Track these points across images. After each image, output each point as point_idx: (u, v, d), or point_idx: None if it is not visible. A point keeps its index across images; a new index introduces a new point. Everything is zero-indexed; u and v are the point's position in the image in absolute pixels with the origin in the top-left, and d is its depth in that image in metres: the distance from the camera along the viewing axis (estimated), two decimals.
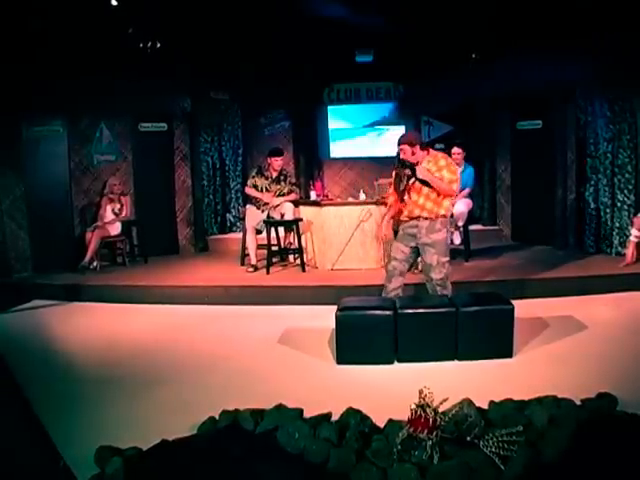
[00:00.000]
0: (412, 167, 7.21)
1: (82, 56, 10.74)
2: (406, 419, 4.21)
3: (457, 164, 10.45)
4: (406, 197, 7.31)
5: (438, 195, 7.10)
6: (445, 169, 7.09)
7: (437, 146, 13.03)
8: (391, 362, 6.36)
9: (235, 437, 4.61)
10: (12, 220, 11.48)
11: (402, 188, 7.33)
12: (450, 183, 7.09)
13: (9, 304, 9.95)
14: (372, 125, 14.84)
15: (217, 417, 4.87)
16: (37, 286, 10.75)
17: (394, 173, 7.48)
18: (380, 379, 5.98)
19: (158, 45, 11.39)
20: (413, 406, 4.19)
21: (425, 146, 7.32)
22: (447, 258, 7.26)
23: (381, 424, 4.54)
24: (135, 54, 11.30)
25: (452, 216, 9.09)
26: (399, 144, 7.30)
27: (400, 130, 14.20)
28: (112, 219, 11.64)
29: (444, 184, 7.06)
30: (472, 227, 11.24)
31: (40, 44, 10.31)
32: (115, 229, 11.69)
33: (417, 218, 7.20)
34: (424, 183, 7.14)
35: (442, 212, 7.16)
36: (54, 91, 11.26)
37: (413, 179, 7.24)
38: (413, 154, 7.20)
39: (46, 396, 5.94)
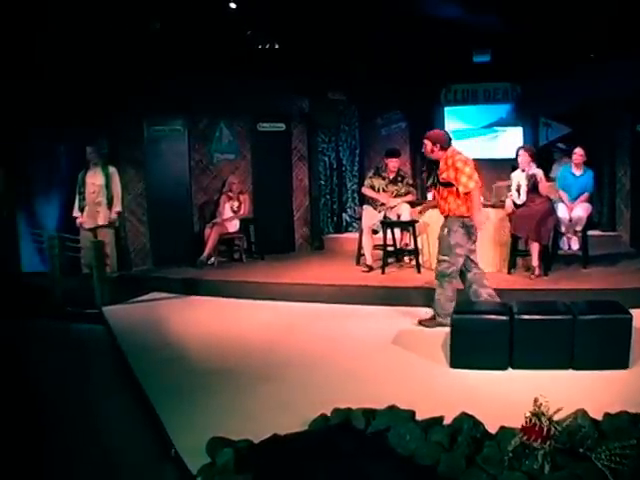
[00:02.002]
0: (436, 172, 8.00)
1: (202, 57, 11.02)
2: (519, 426, 4.16)
3: (576, 165, 10.28)
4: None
5: (456, 197, 7.68)
6: (459, 174, 7.64)
7: (559, 145, 12.78)
8: (504, 368, 6.28)
9: (346, 435, 4.62)
10: (133, 215, 11.92)
11: (429, 184, 7.92)
12: (465, 187, 7.61)
13: (128, 296, 10.31)
14: (489, 126, 14.60)
15: (329, 415, 4.91)
16: (155, 279, 11.14)
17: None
18: (493, 385, 5.91)
19: (276, 46, 11.54)
20: (528, 414, 4.14)
21: (446, 147, 7.85)
22: (446, 257, 7.78)
23: (493, 430, 4.48)
24: (254, 55, 11.49)
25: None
26: (424, 137, 7.95)
27: (518, 131, 14.05)
28: (230, 216, 11.88)
29: (471, 193, 7.65)
30: (590, 232, 10.95)
31: (161, 46, 10.61)
32: (233, 226, 11.95)
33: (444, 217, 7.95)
34: (443, 185, 7.83)
35: (457, 212, 7.70)
36: (175, 91, 11.61)
37: (437, 182, 8.04)
38: (432, 151, 7.89)
39: (161, 386, 6.15)
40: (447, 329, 6.48)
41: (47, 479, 4.72)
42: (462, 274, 7.94)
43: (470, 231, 7.76)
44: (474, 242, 7.93)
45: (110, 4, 9.68)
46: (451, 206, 7.73)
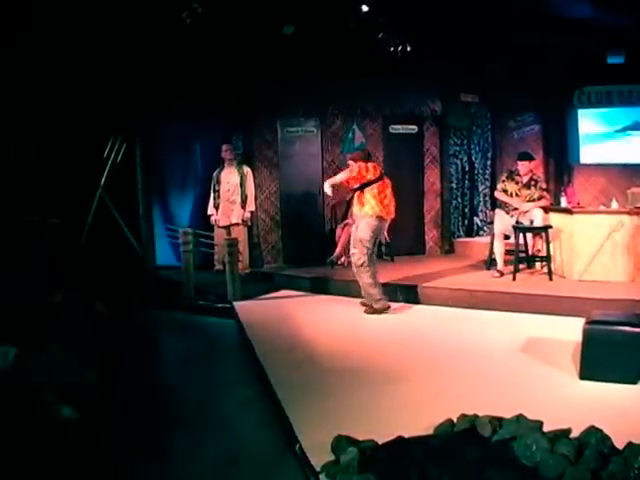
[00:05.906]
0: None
1: (336, 60, 11.12)
2: None
3: None
4: None
5: (359, 201, 9.26)
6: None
7: None
8: (635, 382, 6.07)
9: (471, 442, 4.59)
10: (266, 214, 12.20)
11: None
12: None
13: (259, 292, 10.59)
14: (624, 130, 14.08)
15: (455, 420, 4.88)
16: (286, 277, 11.42)
17: None
18: (623, 399, 5.70)
19: (408, 48, 11.53)
20: None
21: (365, 160, 9.37)
22: (356, 250, 9.07)
23: (620, 446, 4.34)
24: (386, 57, 11.50)
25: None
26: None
27: None
28: None
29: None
30: None
31: (296, 48, 10.79)
32: None
33: None
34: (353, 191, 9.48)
35: (362, 213, 9.13)
36: (309, 93, 11.85)
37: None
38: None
39: (288, 381, 6.26)
40: (578, 338, 6.31)
41: (172, 463, 4.90)
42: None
43: (374, 229, 9.03)
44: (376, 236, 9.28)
45: (246, 10, 9.92)
46: (356, 208, 9.27)
